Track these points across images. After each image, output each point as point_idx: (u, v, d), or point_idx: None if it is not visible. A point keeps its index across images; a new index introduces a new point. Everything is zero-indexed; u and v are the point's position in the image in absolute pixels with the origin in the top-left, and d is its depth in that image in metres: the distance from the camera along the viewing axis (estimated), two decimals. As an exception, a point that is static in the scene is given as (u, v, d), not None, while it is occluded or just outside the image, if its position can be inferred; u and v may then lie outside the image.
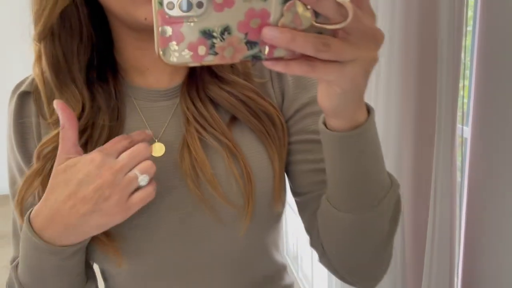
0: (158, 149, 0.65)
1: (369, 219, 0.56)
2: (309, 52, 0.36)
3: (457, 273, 1.07)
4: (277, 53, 0.37)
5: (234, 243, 0.65)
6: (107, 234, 0.61)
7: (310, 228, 0.69)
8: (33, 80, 0.66)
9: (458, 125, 1.01)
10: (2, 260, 1.77)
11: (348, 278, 0.64)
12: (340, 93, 0.43)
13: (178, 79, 0.66)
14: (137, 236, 0.62)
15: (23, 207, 0.61)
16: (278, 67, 0.37)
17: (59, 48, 0.61)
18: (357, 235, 0.58)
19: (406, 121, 1.12)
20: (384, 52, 1.11)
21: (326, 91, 0.44)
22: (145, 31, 0.57)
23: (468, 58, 0.98)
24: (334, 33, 0.37)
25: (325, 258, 0.66)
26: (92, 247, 0.62)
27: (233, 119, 0.65)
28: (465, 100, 1.01)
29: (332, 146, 0.52)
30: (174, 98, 0.66)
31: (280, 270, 0.76)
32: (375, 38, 0.40)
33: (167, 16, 0.35)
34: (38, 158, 0.61)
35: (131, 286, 0.68)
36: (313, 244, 0.69)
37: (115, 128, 0.65)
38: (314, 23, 0.36)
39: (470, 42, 1.00)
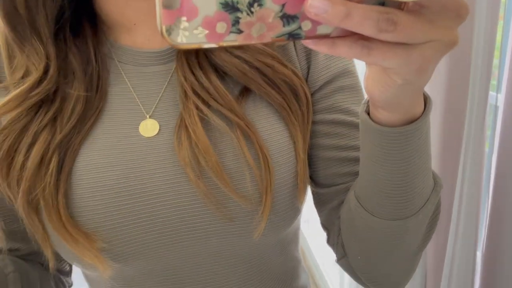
0: (150, 127, 0.52)
1: (407, 226, 0.46)
2: (368, 32, 0.26)
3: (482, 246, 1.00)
4: (322, 30, 0.28)
5: (245, 243, 0.54)
6: (86, 235, 0.50)
7: (328, 224, 0.59)
8: None
9: (491, 93, 0.92)
10: None
11: (370, 285, 0.55)
12: (400, 84, 0.32)
13: None
14: (124, 237, 0.51)
15: None
16: (321, 47, 0.28)
17: None
18: (391, 242, 0.48)
19: (436, 92, 1.02)
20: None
21: (380, 79, 0.33)
22: None
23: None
24: (400, 4, 0.28)
25: (345, 261, 0.56)
26: (65, 249, 0.52)
27: (245, 91, 0.54)
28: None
29: (377, 143, 0.41)
30: (169, 62, 0.54)
31: (295, 266, 0.65)
32: (458, 13, 0.29)
33: None
34: None
35: None
36: (331, 242, 0.59)
37: (94, 100, 0.53)
38: None
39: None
